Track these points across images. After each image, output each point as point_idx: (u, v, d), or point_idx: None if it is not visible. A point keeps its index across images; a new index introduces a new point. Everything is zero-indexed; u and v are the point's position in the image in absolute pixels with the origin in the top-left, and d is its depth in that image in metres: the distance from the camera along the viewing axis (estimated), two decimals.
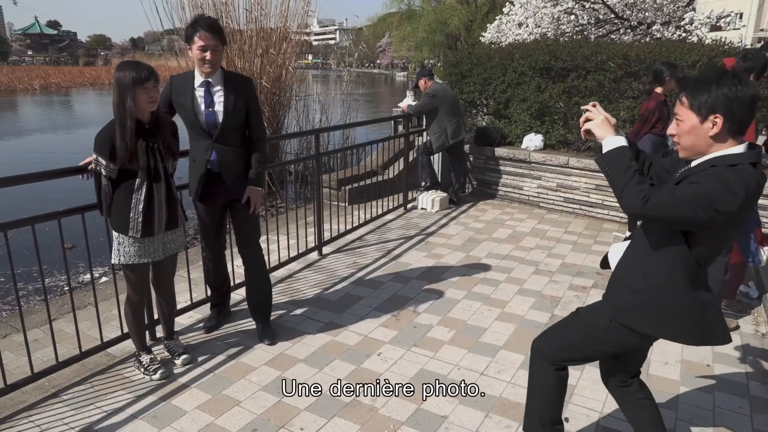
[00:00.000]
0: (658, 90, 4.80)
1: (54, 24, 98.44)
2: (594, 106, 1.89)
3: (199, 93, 3.02)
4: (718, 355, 3.23)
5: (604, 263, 2.07)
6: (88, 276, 4.32)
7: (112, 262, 2.81)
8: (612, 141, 1.80)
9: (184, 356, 3.08)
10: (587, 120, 1.89)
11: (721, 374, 3.04)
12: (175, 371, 3.01)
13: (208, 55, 2.90)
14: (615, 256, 2.01)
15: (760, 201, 4.90)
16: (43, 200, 5.37)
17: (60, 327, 3.42)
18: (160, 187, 2.74)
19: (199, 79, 3.01)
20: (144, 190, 2.70)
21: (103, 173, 2.64)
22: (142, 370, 2.96)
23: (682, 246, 1.74)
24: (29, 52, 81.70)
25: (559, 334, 2.10)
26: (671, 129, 1.77)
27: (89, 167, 2.72)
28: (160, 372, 2.93)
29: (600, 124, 1.85)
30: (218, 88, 3.01)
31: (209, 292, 3.61)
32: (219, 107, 3.01)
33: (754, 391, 2.89)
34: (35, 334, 3.39)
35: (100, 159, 2.62)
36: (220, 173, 3.10)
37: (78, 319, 3.06)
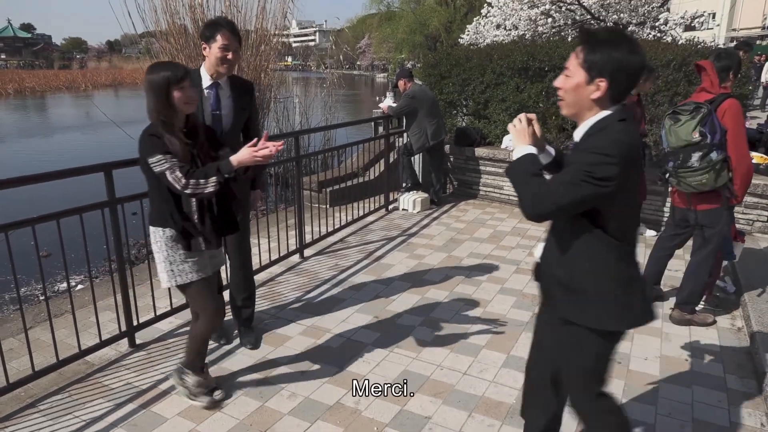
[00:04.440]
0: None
1: (28, 27, 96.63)
2: (528, 118, 1.82)
3: (207, 94, 2.99)
4: (696, 350, 3.29)
5: (536, 273, 2.00)
6: (64, 284, 4.25)
7: (166, 286, 2.52)
8: (519, 151, 1.77)
9: (217, 392, 2.79)
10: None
11: (699, 369, 3.09)
12: (156, 379, 2.96)
13: (229, 54, 2.89)
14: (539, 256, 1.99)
15: None
16: (23, 205, 5.26)
17: (36, 335, 3.35)
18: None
19: (207, 79, 2.97)
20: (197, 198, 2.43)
21: (166, 167, 2.27)
22: (186, 393, 2.70)
23: (591, 226, 1.70)
24: (2, 56, 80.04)
25: (580, 375, 1.92)
26: (558, 81, 1.74)
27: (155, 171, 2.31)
28: (205, 399, 2.69)
29: (516, 133, 1.81)
30: (226, 91, 3.01)
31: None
32: (225, 111, 3.02)
33: (731, 385, 2.94)
34: (10, 343, 3.31)
35: (158, 156, 2.28)
36: None
37: (55, 327, 3.00)
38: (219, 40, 2.86)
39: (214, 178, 2.29)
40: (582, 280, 1.77)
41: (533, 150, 1.77)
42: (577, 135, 1.74)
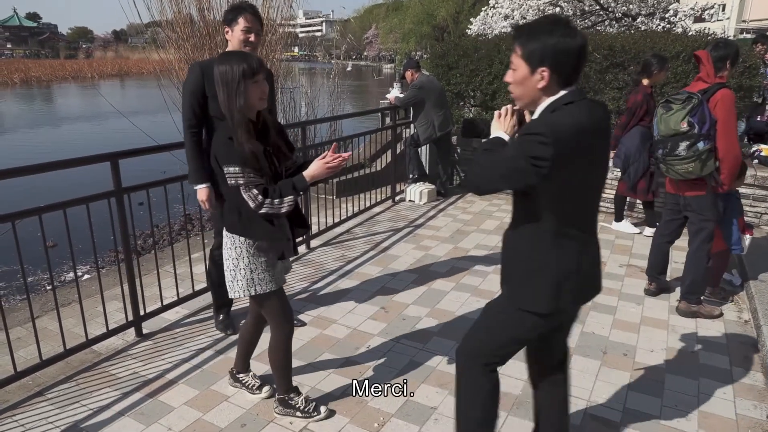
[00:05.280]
0: (645, 82, 4.83)
1: (34, 16, 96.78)
2: (517, 110, 1.87)
3: None
4: (703, 342, 3.27)
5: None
6: (71, 274, 4.26)
7: (243, 295, 2.35)
8: (492, 135, 1.84)
9: (266, 388, 2.75)
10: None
11: (705, 361, 3.08)
12: (163, 368, 2.98)
13: (252, 37, 2.92)
14: None
15: (742, 190, 4.97)
16: (27, 195, 5.28)
17: (43, 325, 3.38)
18: None
19: None
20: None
21: (242, 182, 2.15)
22: (299, 414, 2.56)
23: (529, 208, 1.75)
24: (8, 45, 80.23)
25: (482, 334, 2.00)
26: (507, 76, 1.77)
27: (230, 182, 2.19)
28: (322, 408, 2.58)
29: (497, 123, 1.86)
30: None
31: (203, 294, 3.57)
32: None
33: (737, 377, 2.93)
34: (18, 332, 3.34)
35: (235, 168, 2.14)
36: None
37: (62, 316, 3.02)
38: (241, 22, 2.88)
39: (290, 197, 2.19)
40: (514, 257, 1.86)
41: (505, 136, 1.82)
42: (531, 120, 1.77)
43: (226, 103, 2.16)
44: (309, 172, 2.21)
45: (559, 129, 1.59)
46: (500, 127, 1.83)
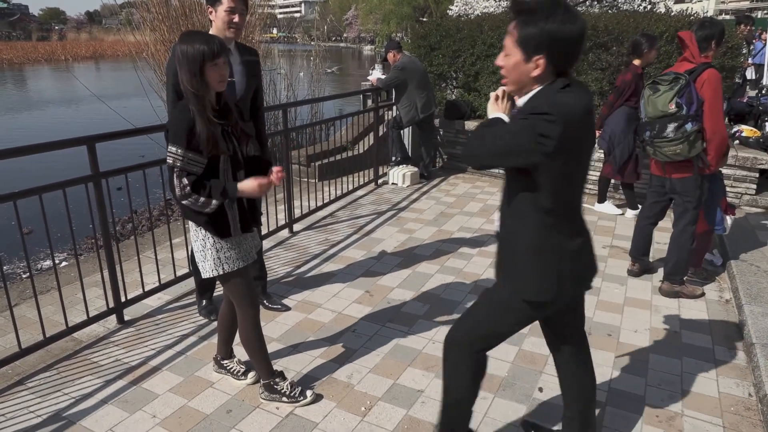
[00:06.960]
0: (636, 62, 4.84)
1: None
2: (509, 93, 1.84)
3: None
4: (685, 322, 3.32)
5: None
6: (48, 262, 4.15)
7: (211, 275, 2.35)
8: (490, 116, 1.80)
9: (251, 373, 2.71)
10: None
11: (687, 341, 3.12)
12: (146, 355, 2.93)
13: (236, 17, 2.85)
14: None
15: (725, 170, 5.03)
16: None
17: (22, 313, 3.30)
18: (241, 176, 2.34)
19: None
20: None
21: (178, 165, 2.14)
22: (285, 399, 2.55)
23: (525, 190, 1.70)
24: None
25: (476, 320, 1.97)
26: (498, 60, 1.71)
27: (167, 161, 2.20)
28: (308, 392, 2.57)
29: (493, 105, 1.82)
30: (236, 57, 2.94)
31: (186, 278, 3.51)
32: (237, 77, 2.94)
33: (719, 356, 2.98)
34: None
35: (177, 150, 2.14)
36: None
37: (41, 304, 2.95)
38: (225, 2, 2.81)
39: (215, 202, 2.19)
40: (509, 243, 1.82)
41: (504, 117, 1.78)
42: (520, 102, 1.72)
43: (184, 82, 2.16)
44: (242, 185, 2.24)
45: (565, 110, 1.56)
46: (497, 109, 1.79)
